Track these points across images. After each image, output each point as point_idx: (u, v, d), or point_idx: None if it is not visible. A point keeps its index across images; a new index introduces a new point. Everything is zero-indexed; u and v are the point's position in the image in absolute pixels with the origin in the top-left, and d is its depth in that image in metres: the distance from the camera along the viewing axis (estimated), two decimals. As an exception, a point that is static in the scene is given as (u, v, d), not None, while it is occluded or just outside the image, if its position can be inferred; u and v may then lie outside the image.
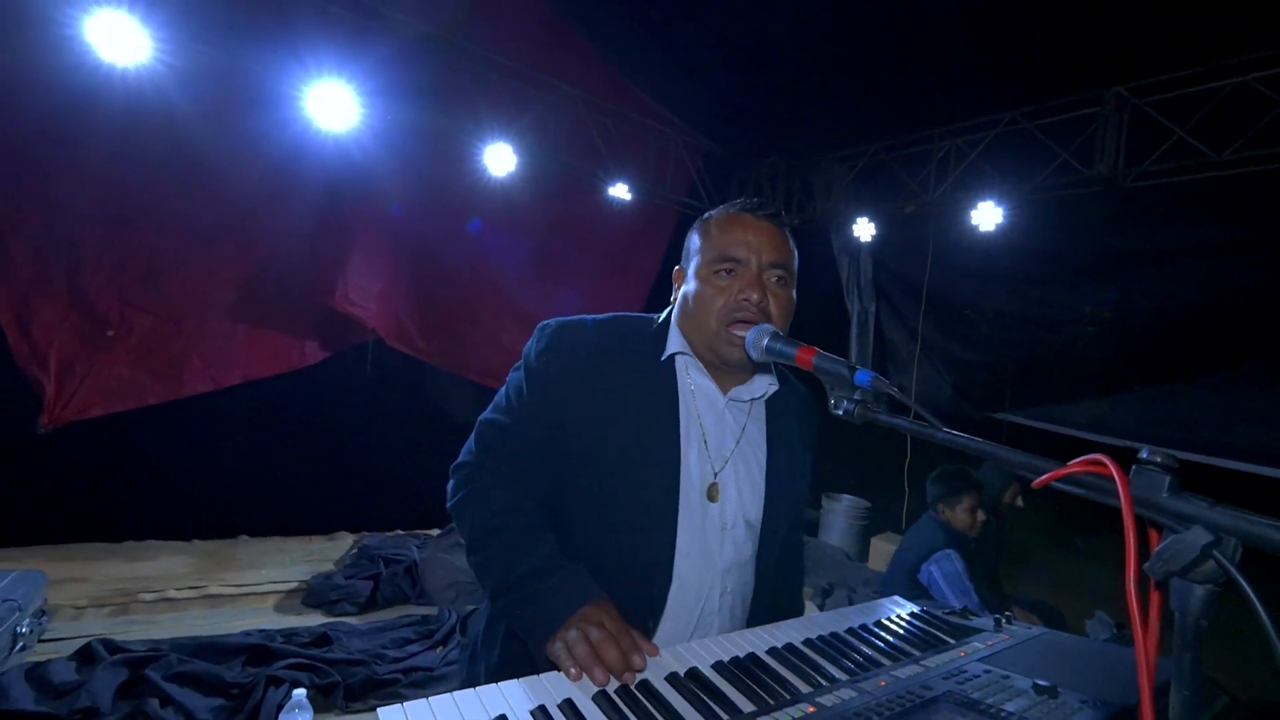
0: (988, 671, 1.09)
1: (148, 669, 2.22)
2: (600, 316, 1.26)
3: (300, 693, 1.72)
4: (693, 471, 1.18)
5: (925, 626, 1.30)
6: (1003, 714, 0.93)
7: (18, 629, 2.21)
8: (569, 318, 1.24)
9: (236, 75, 3.85)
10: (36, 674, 2.17)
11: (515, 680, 0.92)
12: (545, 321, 1.24)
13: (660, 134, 5.85)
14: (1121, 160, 4.44)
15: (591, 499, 1.17)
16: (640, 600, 1.14)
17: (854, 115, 5.52)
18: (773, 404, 1.31)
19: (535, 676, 0.94)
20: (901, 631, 1.26)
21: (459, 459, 1.22)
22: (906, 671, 1.07)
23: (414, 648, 2.74)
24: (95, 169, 3.71)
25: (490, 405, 1.24)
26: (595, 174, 5.32)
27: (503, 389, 1.24)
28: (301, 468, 4.17)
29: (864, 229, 5.54)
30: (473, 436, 1.23)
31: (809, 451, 1.39)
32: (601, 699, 0.89)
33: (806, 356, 1.03)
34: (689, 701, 0.91)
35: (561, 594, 1.02)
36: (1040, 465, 0.74)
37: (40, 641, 2.50)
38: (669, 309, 1.30)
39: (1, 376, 3.56)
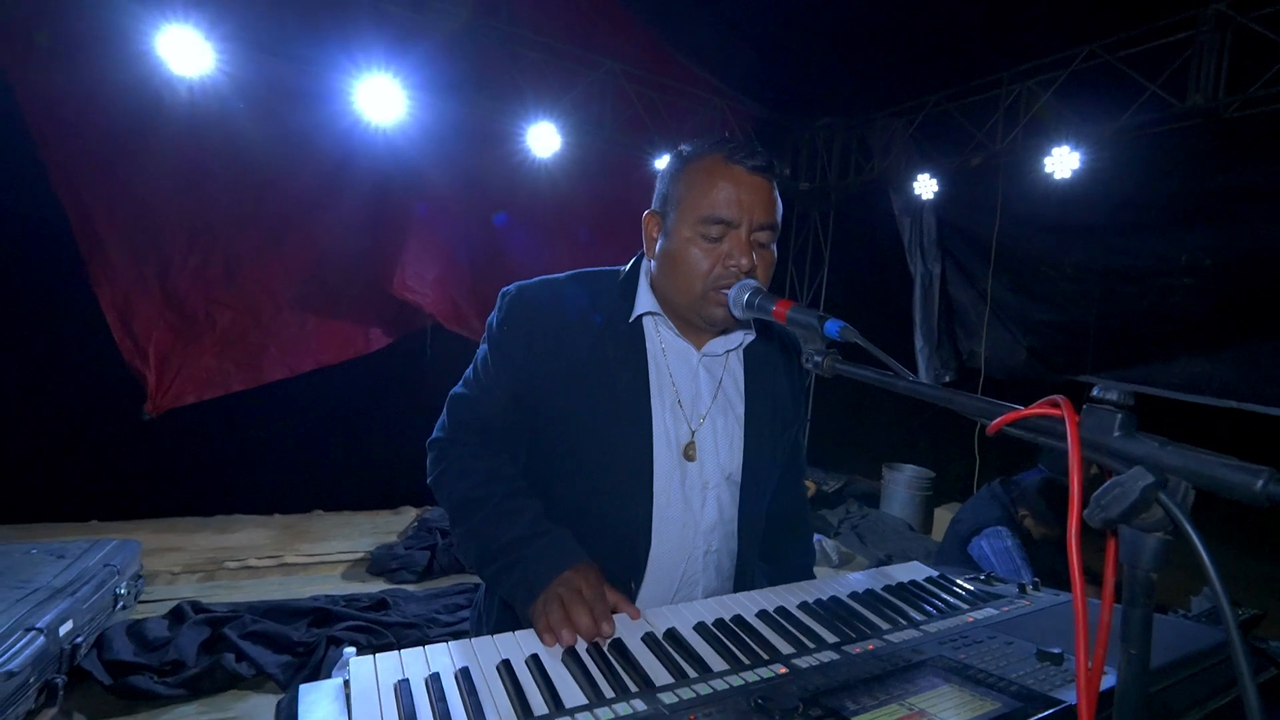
0: (992, 638, 1.03)
1: (226, 628, 2.48)
2: (563, 275, 1.22)
3: (350, 651, 1.83)
4: (668, 432, 1.15)
5: (938, 592, 1.24)
6: (990, 679, 0.88)
7: (117, 590, 2.52)
8: (531, 280, 1.20)
9: (291, 78, 4.06)
10: (135, 630, 2.47)
11: (487, 637, 0.95)
12: (507, 287, 1.20)
13: (707, 103, 5.72)
14: (1223, 88, 3.95)
15: (566, 466, 1.16)
16: (622, 563, 1.14)
17: (912, 65, 5.18)
18: (752, 353, 1.26)
19: (509, 634, 0.96)
20: (910, 596, 1.20)
21: (433, 435, 1.22)
22: (902, 636, 1.03)
23: (465, 613, 2.90)
24: (173, 176, 4.03)
25: (461, 379, 1.23)
26: (641, 148, 5.27)
27: (472, 362, 1.22)
28: (370, 447, 4.44)
29: (925, 186, 5.22)
30: (444, 411, 1.22)
31: (797, 396, 1.33)
32: (569, 657, 0.90)
33: (782, 310, 0.99)
34: (660, 660, 0.91)
35: (543, 559, 1.03)
36: (998, 411, 0.68)
37: (140, 602, 2.84)
38: (635, 259, 1.24)
39: (108, 370, 3.96)
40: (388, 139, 4.32)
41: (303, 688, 0.85)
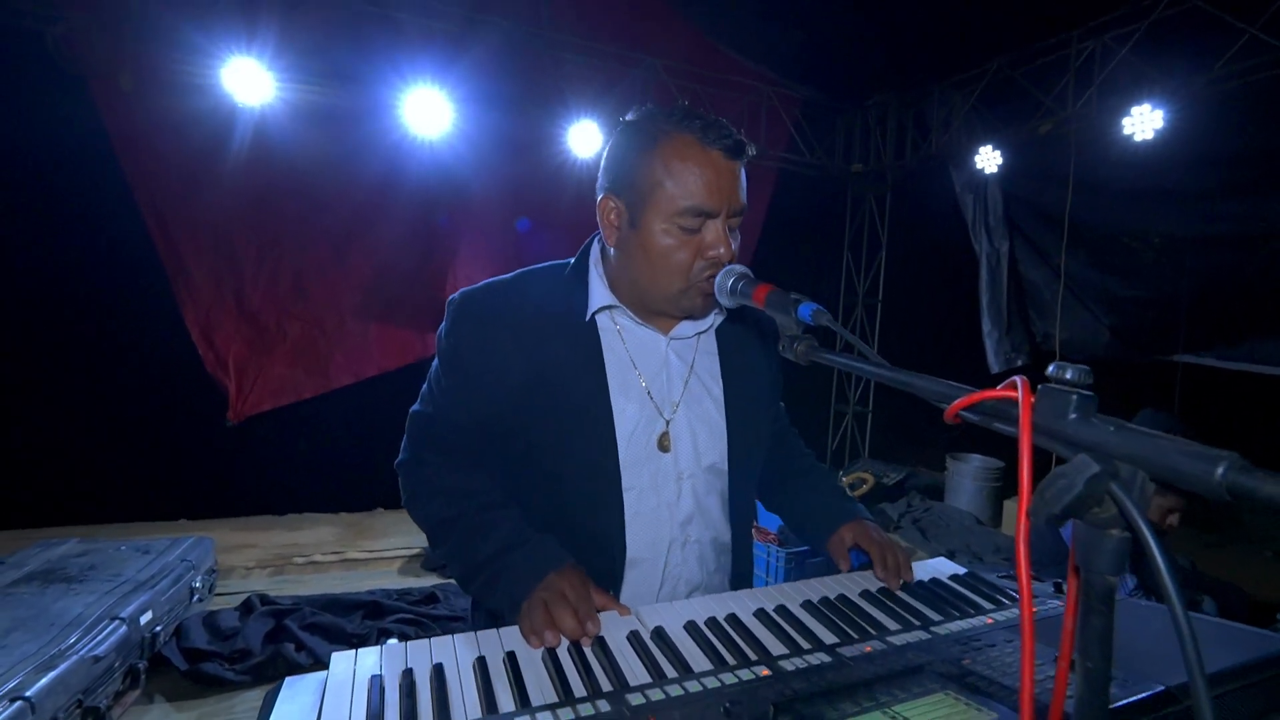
0: (1009, 641, 0.95)
1: (288, 619, 2.66)
2: (507, 276, 1.15)
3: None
4: (634, 426, 1.10)
5: (960, 590, 1.16)
6: (992, 686, 0.81)
7: (193, 584, 2.76)
8: (474, 286, 1.13)
9: (344, 97, 4.28)
10: (210, 620, 2.70)
11: (471, 633, 0.95)
12: (452, 295, 1.14)
13: (751, 90, 5.59)
14: (1337, 24, 3.51)
15: (530, 476, 1.12)
16: (600, 570, 1.09)
17: (971, 30, 4.87)
18: (725, 333, 1.20)
19: (494, 631, 0.96)
20: (928, 595, 1.12)
21: (399, 457, 1.18)
22: (907, 638, 0.97)
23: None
24: (243, 199, 4.32)
25: (419, 395, 1.18)
26: (685, 142, 5.21)
27: (427, 377, 1.17)
28: (430, 448, 4.60)
29: (989, 159, 4.91)
30: (406, 430, 1.18)
31: (774, 371, 1.27)
32: (547, 655, 0.89)
33: (761, 294, 0.95)
34: (641, 659, 0.89)
35: (525, 568, 1.01)
36: (958, 395, 0.62)
37: (217, 595, 3.10)
38: (582, 249, 1.18)
39: (194, 382, 4.30)
40: (435, 151, 4.48)
41: (288, 680, 0.88)
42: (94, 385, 4.13)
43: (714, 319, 1.18)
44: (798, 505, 1.36)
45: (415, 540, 4.04)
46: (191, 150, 4.14)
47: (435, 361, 1.15)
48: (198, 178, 4.21)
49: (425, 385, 1.17)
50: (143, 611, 2.30)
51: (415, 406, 1.18)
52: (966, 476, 4.98)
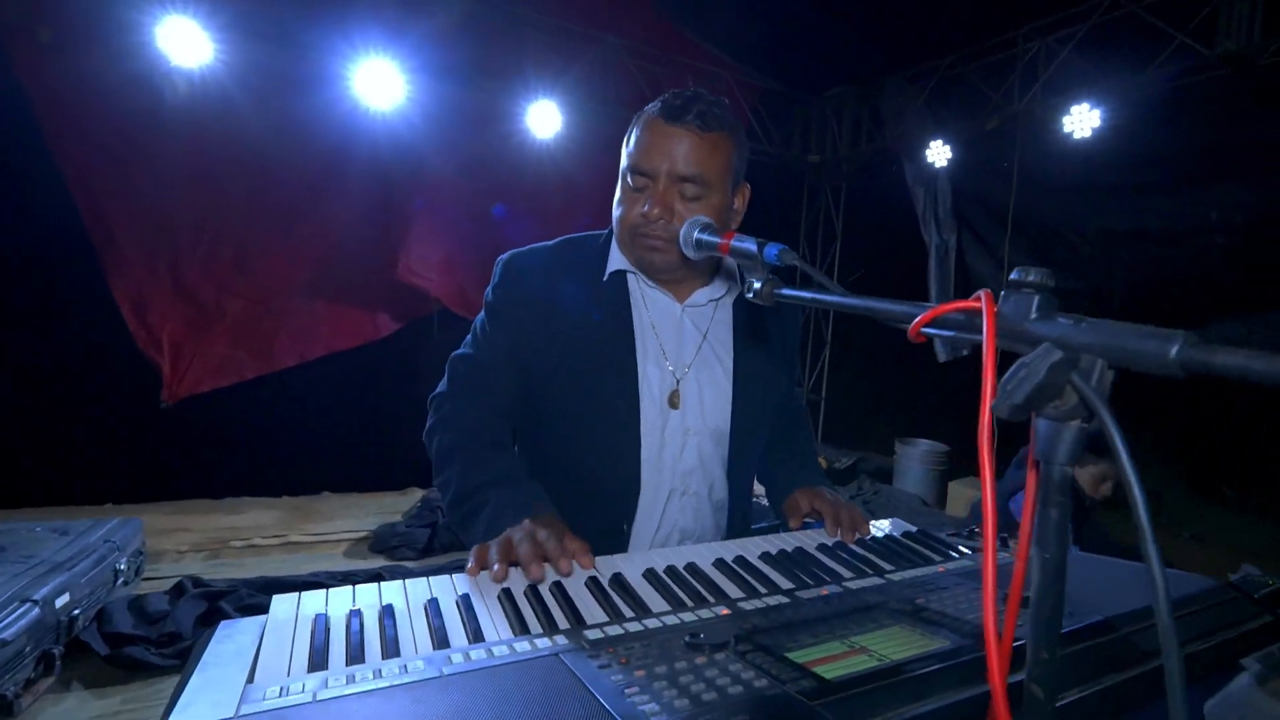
0: (959, 584, 0.98)
1: (223, 601, 2.54)
2: (554, 241, 1.26)
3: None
4: (651, 382, 1.19)
5: (914, 545, 1.19)
6: (945, 619, 0.83)
7: (117, 566, 2.59)
8: (523, 248, 1.25)
9: (290, 64, 4.07)
10: (136, 604, 2.54)
11: (422, 579, 0.93)
12: (501, 255, 1.25)
13: (712, 76, 5.60)
14: (1257, 32, 3.73)
15: (558, 421, 1.22)
16: (614, 511, 1.20)
17: (925, 27, 5.01)
18: (743, 305, 1.27)
19: (445, 576, 0.94)
20: (881, 549, 1.16)
21: (434, 391, 1.27)
22: (863, 583, 0.99)
23: (464, 589, 2.89)
24: (179, 168, 4.06)
25: (463, 342, 1.29)
26: (644, 126, 5.18)
27: (472, 328, 1.29)
28: (378, 430, 4.47)
29: (939, 153, 5.07)
30: (446, 370, 1.27)
31: (790, 349, 1.37)
32: (504, 595, 0.87)
33: (727, 242, 0.95)
34: (599, 601, 0.88)
35: (508, 505, 1.04)
36: (919, 313, 0.63)
37: (146, 579, 2.92)
38: None
39: (125, 359, 4.04)
40: (388, 124, 4.32)
41: (223, 623, 0.83)
42: (14, 361, 3.83)
43: (728, 288, 1.26)
44: (772, 474, 1.44)
45: (362, 524, 3.91)
46: (121, 112, 3.87)
47: (481, 315, 1.27)
48: (129, 143, 3.95)
49: (470, 334, 1.28)
50: (59, 594, 2.14)
51: (458, 350, 1.28)
52: (914, 460, 5.17)
